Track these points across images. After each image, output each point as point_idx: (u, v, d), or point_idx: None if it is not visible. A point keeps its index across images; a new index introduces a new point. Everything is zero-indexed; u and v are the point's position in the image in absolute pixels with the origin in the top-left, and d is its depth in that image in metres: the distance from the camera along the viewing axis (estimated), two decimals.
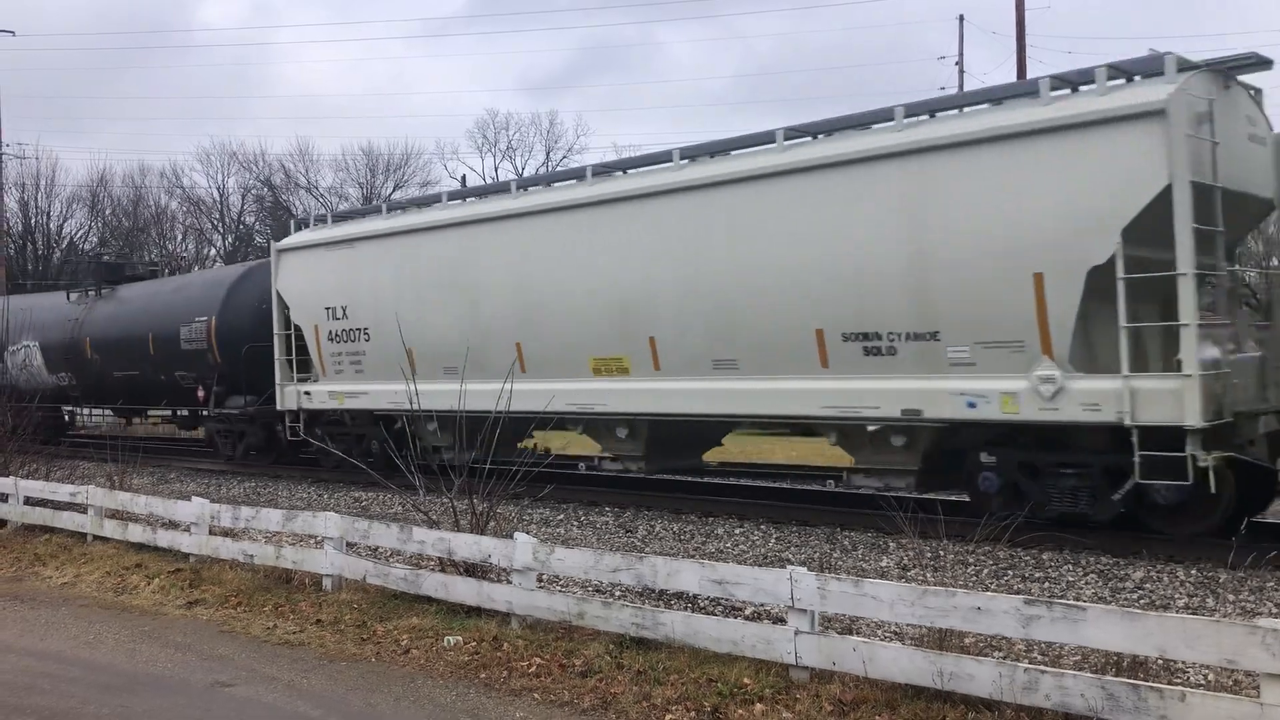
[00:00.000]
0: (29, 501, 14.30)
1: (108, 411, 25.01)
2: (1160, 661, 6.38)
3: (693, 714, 6.49)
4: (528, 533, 9.41)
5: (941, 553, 9.82)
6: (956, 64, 44.29)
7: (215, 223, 61.28)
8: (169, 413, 23.67)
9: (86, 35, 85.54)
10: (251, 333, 18.90)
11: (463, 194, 16.14)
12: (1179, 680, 6.40)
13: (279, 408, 17.99)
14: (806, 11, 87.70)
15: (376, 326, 16.19)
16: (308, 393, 17.52)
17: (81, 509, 13.28)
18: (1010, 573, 9.54)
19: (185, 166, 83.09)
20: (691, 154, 12.97)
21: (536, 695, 7.05)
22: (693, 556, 10.44)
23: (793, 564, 8.47)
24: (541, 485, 10.96)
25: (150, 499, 12.85)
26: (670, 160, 13.07)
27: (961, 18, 45.80)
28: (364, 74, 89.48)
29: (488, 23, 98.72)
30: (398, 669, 7.81)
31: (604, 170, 14.14)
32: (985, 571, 9.59)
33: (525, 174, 59.41)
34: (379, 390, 16.10)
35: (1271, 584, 8.74)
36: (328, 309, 17.07)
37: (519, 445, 14.50)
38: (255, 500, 15.94)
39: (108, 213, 60.12)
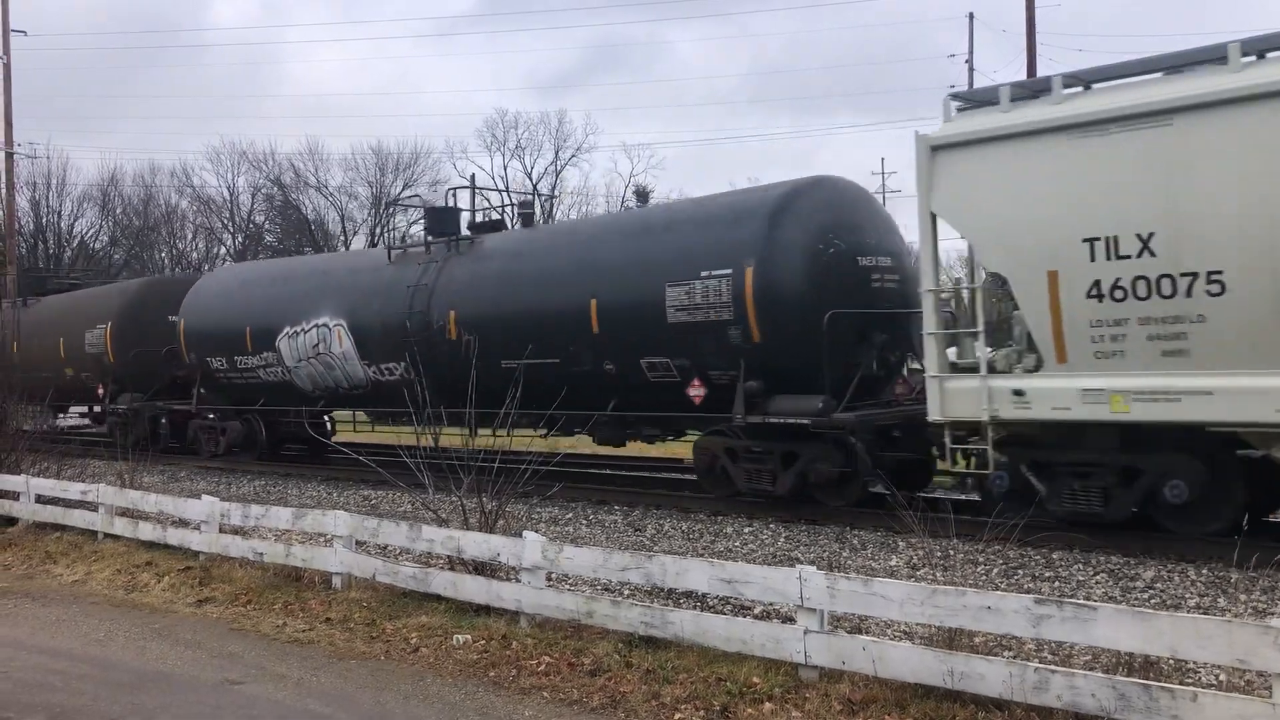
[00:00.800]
0: (40, 500, 14.34)
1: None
2: (1171, 661, 6.36)
3: (702, 713, 6.49)
4: (536, 531, 9.43)
5: (951, 552, 9.79)
6: (966, 62, 44.31)
7: (225, 222, 61.56)
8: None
9: (97, 35, 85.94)
10: (814, 294, 12.06)
11: None
12: (1190, 680, 6.38)
13: (934, 416, 10.85)
14: (814, 10, 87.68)
15: (1252, 269, 9.20)
16: (1019, 391, 10.42)
17: (92, 507, 13.31)
18: (1020, 572, 9.51)
19: (195, 166, 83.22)
20: None
21: (545, 694, 7.06)
22: (701, 555, 10.44)
23: (802, 563, 8.45)
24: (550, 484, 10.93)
25: (160, 497, 12.88)
26: None
27: (971, 16, 45.70)
28: (373, 73, 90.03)
29: (496, 22, 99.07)
30: (407, 667, 7.82)
31: None
32: (995, 571, 9.56)
33: (533, 174, 59.30)
34: (1246, 388, 9.21)
35: None
36: (1091, 241, 9.97)
37: None
38: (265, 498, 15.96)
39: (118, 212, 60.52)
